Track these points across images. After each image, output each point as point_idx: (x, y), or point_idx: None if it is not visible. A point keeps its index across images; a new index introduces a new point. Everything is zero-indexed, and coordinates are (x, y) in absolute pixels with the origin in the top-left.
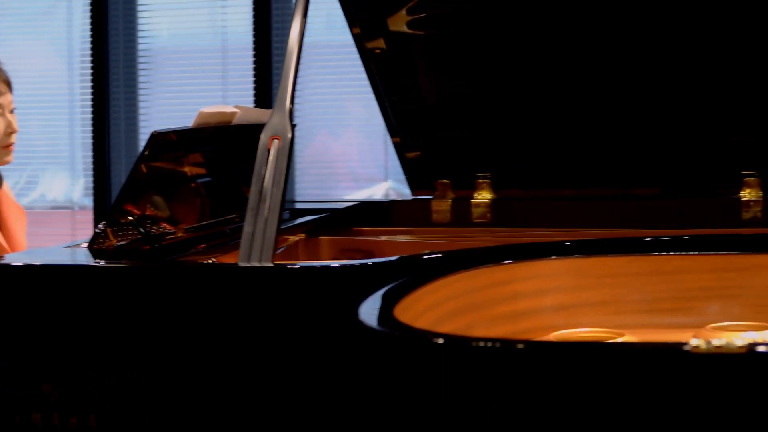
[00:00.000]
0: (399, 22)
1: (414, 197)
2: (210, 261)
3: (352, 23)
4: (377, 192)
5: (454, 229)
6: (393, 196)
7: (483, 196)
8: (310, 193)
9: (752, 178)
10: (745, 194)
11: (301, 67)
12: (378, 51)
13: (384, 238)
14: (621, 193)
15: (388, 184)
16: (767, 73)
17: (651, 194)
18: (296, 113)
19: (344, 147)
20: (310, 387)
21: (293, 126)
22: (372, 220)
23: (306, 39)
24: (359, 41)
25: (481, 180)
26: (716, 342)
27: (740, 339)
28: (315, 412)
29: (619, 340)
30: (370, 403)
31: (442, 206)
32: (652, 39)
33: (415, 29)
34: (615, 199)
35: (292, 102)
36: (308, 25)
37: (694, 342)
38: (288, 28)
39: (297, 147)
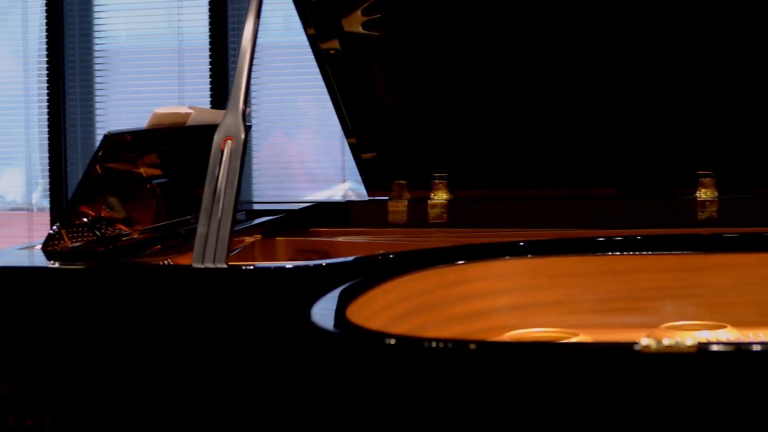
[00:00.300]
0: (354, 23)
1: (370, 198)
2: (165, 262)
3: (306, 24)
4: (337, 193)
5: (410, 230)
6: (353, 197)
7: (439, 197)
8: (268, 194)
9: (708, 179)
10: (701, 194)
11: (260, 68)
12: (332, 52)
13: (340, 238)
14: (579, 194)
15: (347, 185)
16: (723, 73)
17: (609, 195)
18: (255, 114)
19: (302, 148)
20: (265, 388)
21: (248, 127)
22: (328, 221)
23: (264, 40)
24: (314, 42)
25: (437, 181)
26: (666, 342)
27: (691, 338)
28: (269, 412)
29: (573, 339)
30: (324, 404)
31: (399, 207)
32: (609, 41)
33: (370, 30)
34: (573, 200)
35: (245, 103)
36: (267, 26)
37: (644, 342)
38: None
39: (255, 148)
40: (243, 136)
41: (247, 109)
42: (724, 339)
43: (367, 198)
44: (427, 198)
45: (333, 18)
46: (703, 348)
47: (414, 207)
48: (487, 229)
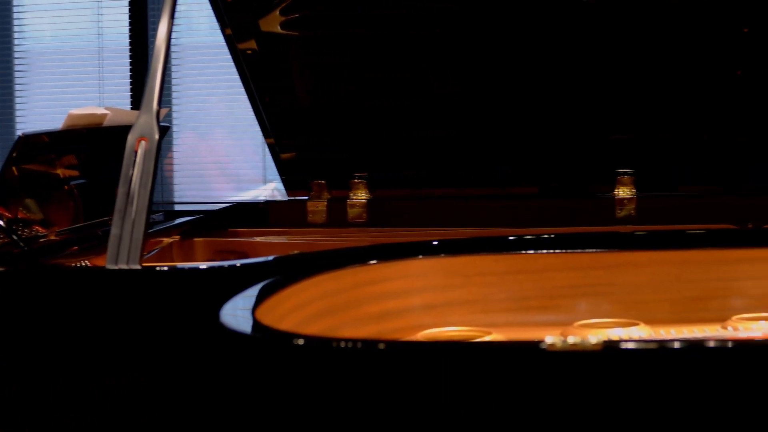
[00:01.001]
0: (271, 23)
1: (290, 198)
2: (82, 264)
3: (223, 25)
4: (263, 193)
5: (330, 230)
6: (279, 197)
7: (359, 197)
8: (190, 195)
9: (626, 177)
10: (619, 192)
11: (184, 68)
12: (250, 52)
13: (259, 239)
14: (499, 193)
15: (273, 185)
16: (641, 71)
17: (529, 194)
18: (178, 114)
19: (225, 148)
20: (177, 390)
21: (165, 128)
22: (248, 221)
23: (189, 40)
24: (231, 42)
25: (356, 180)
26: (572, 340)
27: (598, 337)
28: (181, 414)
29: (486, 338)
30: (237, 406)
31: (318, 207)
32: (526, 38)
33: (288, 30)
34: (493, 199)
35: (159, 103)
36: (192, 27)
37: (549, 340)
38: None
39: (178, 148)
40: (157, 136)
41: (165, 110)
42: (636, 336)
43: (287, 198)
44: (346, 198)
45: (250, 18)
46: (608, 346)
47: (334, 207)
48: (406, 229)
